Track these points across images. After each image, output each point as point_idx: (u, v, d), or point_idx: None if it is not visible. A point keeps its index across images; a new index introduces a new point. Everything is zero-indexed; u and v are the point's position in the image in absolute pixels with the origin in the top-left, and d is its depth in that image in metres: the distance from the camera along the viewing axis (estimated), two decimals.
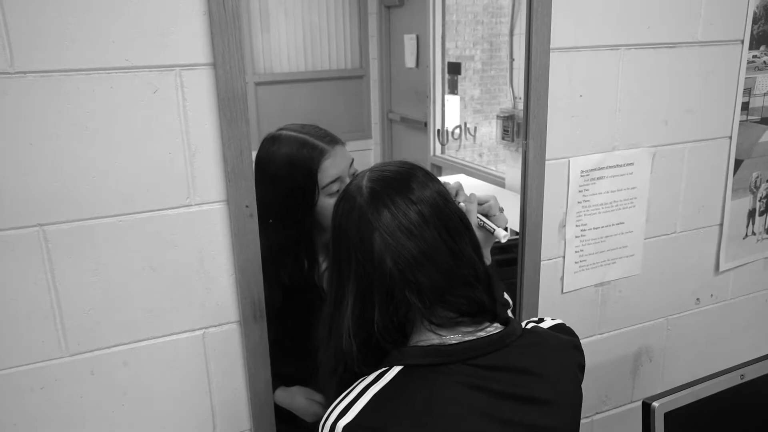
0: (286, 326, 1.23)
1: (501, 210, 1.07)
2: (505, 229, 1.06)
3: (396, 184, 0.84)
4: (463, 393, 0.79)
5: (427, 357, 0.81)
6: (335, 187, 1.22)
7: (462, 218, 0.87)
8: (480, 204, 1.04)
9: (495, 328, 0.85)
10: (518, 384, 0.82)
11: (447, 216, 0.84)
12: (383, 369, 0.82)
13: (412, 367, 0.81)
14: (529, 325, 0.93)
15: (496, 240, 1.06)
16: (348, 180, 1.23)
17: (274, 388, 1.21)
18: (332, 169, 1.22)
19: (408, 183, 0.84)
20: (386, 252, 0.80)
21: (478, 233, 1.01)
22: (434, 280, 0.81)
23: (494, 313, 0.86)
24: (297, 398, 1.28)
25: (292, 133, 1.25)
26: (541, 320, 0.96)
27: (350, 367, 0.85)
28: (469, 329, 0.83)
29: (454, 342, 0.82)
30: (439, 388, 0.79)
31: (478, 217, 1.04)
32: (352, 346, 0.83)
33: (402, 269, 0.80)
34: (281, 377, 1.24)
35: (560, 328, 0.95)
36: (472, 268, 0.84)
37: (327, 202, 1.21)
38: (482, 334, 0.83)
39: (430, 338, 0.83)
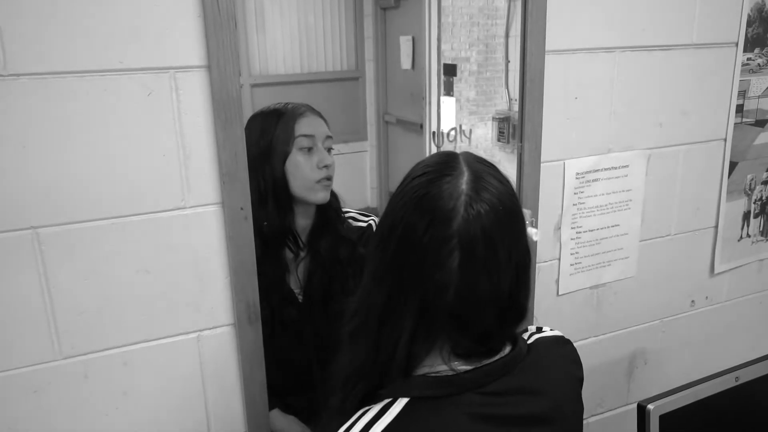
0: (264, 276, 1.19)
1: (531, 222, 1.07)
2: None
3: (507, 223, 0.76)
4: (470, 425, 0.76)
5: (436, 388, 0.76)
6: (307, 143, 1.29)
7: (530, 261, 0.82)
8: None
9: (505, 348, 0.82)
10: (525, 405, 0.80)
11: (524, 261, 0.79)
12: (387, 401, 0.76)
13: (418, 398, 0.76)
14: (532, 338, 0.90)
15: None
16: (321, 147, 1.30)
17: (271, 407, 1.22)
18: (309, 125, 1.31)
19: (516, 225, 0.78)
20: (455, 282, 0.73)
21: None
22: (485, 323, 0.76)
23: (515, 341, 0.83)
24: (292, 429, 1.31)
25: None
26: (540, 329, 0.93)
27: (373, 384, 0.78)
28: (485, 359, 0.79)
29: (465, 369, 0.77)
30: (447, 422, 0.75)
31: None
32: (400, 372, 0.77)
33: (463, 304, 0.74)
34: (274, 393, 1.23)
35: (560, 341, 0.93)
36: (523, 309, 0.81)
37: (296, 159, 1.28)
38: (494, 357, 0.79)
39: (441, 368, 0.77)
